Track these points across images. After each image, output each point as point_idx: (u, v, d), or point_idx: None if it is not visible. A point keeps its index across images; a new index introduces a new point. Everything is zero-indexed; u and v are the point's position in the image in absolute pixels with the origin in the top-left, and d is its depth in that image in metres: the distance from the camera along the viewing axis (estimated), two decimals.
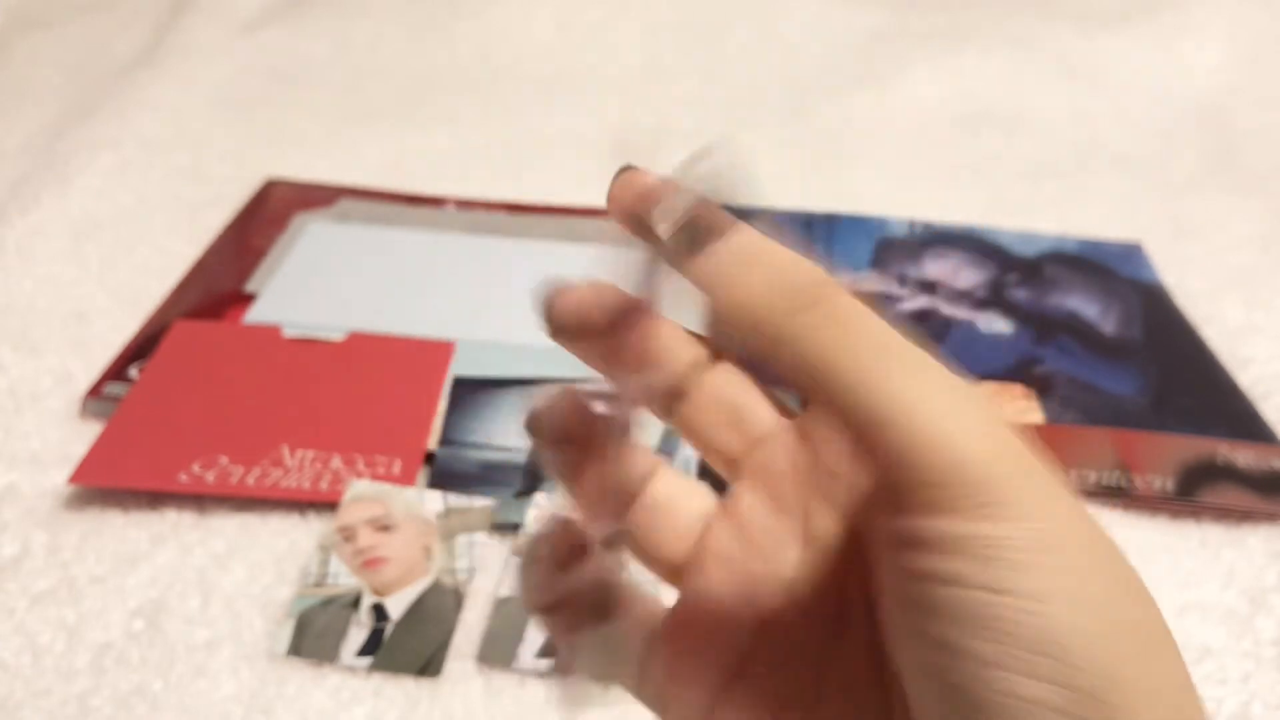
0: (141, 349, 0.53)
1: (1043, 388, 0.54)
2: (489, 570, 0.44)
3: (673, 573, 0.22)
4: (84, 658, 0.40)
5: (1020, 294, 0.61)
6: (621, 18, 0.93)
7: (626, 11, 0.93)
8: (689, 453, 0.46)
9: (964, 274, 0.62)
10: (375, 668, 0.40)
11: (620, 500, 0.22)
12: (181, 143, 0.73)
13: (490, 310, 0.57)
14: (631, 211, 0.20)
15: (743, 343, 0.20)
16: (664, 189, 0.20)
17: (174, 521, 0.45)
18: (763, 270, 0.19)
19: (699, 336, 0.22)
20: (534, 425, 0.22)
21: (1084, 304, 0.61)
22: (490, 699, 0.39)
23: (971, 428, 0.17)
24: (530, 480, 0.47)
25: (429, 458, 0.48)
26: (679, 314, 0.22)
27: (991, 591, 0.16)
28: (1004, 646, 0.16)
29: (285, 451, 0.47)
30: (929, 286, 0.61)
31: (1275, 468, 0.49)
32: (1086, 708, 0.16)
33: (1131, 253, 0.65)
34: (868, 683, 0.20)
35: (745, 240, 0.20)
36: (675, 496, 0.22)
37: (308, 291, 0.58)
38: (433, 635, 0.41)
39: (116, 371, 0.52)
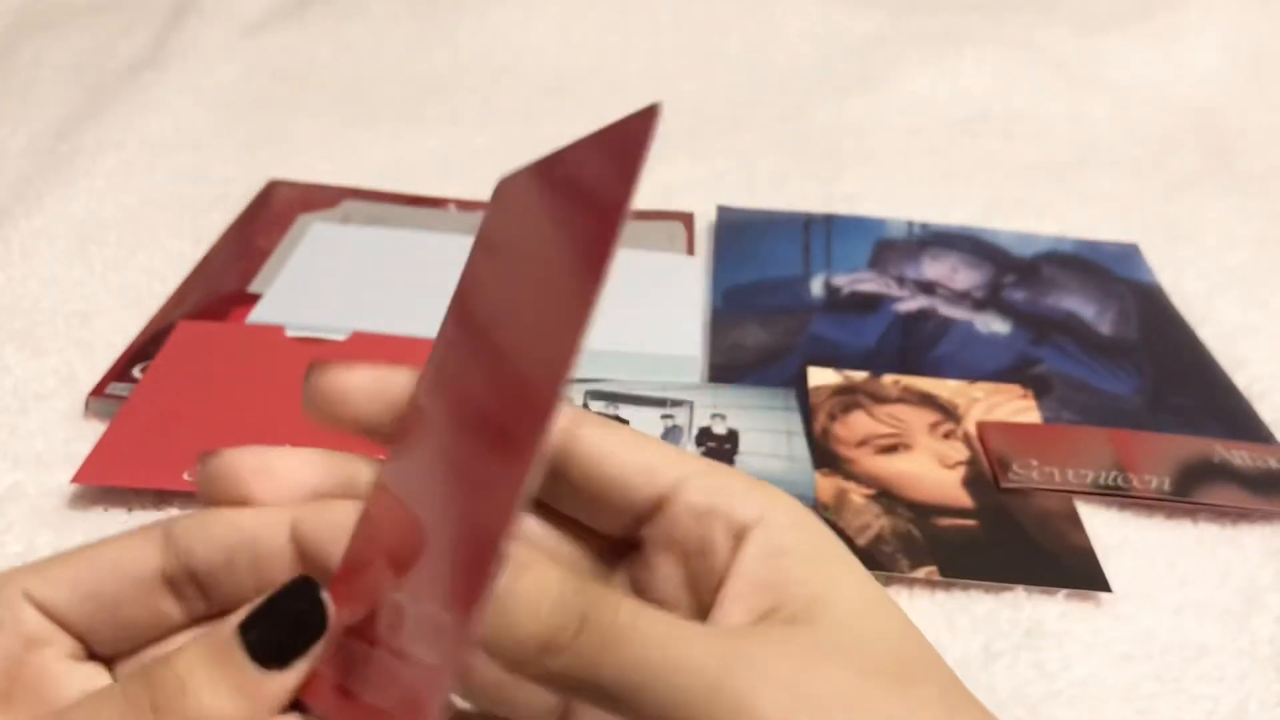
0: (145, 349, 0.53)
1: (1040, 388, 0.54)
2: None
3: None
4: None
5: (1018, 295, 0.61)
6: (622, 19, 0.93)
7: (627, 13, 0.93)
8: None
9: (962, 275, 0.63)
10: None
11: None
12: (185, 144, 0.73)
13: None
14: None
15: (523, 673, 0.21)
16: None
17: None
18: (524, 600, 0.20)
19: None
20: None
21: (1081, 304, 0.61)
22: None
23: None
24: None
25: None
26: None
27: None
28: None
29: None
30: (927, 287, 0.61)
31: (1271, 467, 0.49)
32: None
33: (1128, 253, 0.66)
34: None
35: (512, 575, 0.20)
36: None
37: (311, 292, 0.58)
38: None
39: (120, 371, 0.52)
